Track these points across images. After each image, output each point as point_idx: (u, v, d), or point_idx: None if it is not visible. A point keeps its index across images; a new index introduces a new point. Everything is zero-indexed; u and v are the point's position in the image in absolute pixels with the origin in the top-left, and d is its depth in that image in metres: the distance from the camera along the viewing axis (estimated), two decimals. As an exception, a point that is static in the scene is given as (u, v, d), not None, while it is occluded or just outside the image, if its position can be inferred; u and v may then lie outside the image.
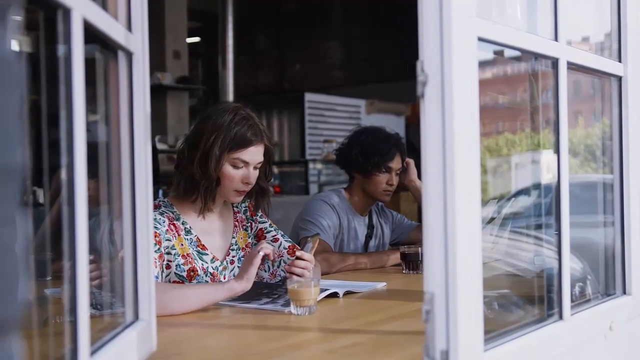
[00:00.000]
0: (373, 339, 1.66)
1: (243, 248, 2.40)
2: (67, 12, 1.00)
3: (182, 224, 2.26)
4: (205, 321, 1.88)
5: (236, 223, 2.41)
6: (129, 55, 1.37)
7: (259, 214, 2.46)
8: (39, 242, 1.83)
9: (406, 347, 1.56)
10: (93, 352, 1.11)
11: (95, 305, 1.33)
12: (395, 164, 3.05)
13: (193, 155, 2.22)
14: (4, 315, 0.59)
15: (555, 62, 1.54)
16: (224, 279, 2.29)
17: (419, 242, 3.00)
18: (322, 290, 2.08)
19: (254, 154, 2.24)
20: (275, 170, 7.75)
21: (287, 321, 1.84)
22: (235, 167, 2.22)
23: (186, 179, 2.24)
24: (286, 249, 2.39)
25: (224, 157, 2.20)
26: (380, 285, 2.39)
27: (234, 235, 2.39)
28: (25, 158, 0.63)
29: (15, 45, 0.63)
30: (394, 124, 6.87)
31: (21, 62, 0.63)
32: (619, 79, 1.84)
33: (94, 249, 1.13)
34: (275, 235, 2.44)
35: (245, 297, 2.05)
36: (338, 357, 1.52)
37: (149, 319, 1.42)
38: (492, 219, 2.26)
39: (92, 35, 1.13)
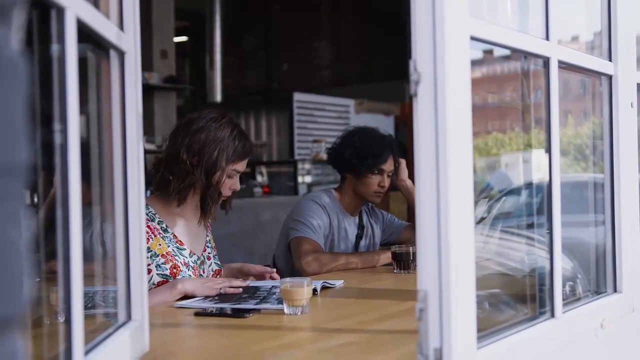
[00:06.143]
0: (366, 338, 1.66)
1: (214, 247, 2.54)
2: (61, 11, 0.99)
3: (158, 223, 2.33)
4: (198, 321, 1.87)
5: (208, 224, 2.53)
6: (121, 54, 1.37)
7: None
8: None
9: (400, 346, 1.56)
10: (86, 353, 1.11)
11: (87, 305, 1.33)
12: (388, 166, 3.05)
13: (193, 164, 2.29)
14: (9, 312, 0.59)
15: (546, 61, 1.54)
16: (203, 272, 2.41)
17: (409, 241, 3.00)
18: None
19: (245, 164, 2.41)
20: (264, 170, 7.75)
21: (279, 321, 1.84)
22: (229, 177, 2.36)
23: (188, 187, 2.31)
24: (213, 271, 2.49)
25: (227, 170, 2.33)
26: (339, 283, 2.40)
27: (208, 234, 2.52)
28: (29, 157, 0.63)
29: (18, 45, 0.63)
30: (383, 124, 6.87)
31: (24, 62, 0.63)
32: (609, 77, 1.85)
33: (84, 250, 1.13)
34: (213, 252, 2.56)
35: (234, 300, 2.05)
36: (332, 356, 1.52)
37: (142, 320, 1.42)
38: (482, 218, 2.27)
39: (84, 34, 1.13)
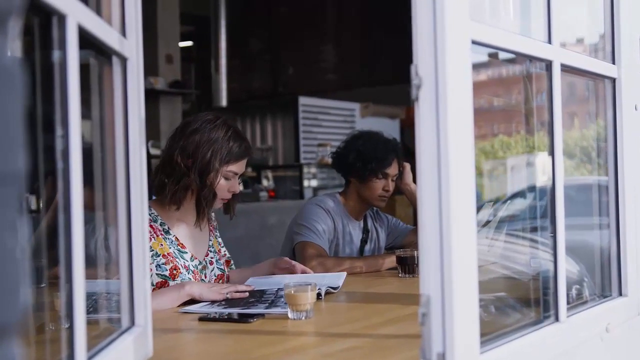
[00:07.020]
0: (370, 343, 1.65)
1: (218, 251, 2.52)
2: (62, 18, 1.00)
3: (160, 225, 2.34)
4: (202, 327, 1.87)
5: (211, 228, 2.53)
6: (124, 60, 1.37)
7: (217, 228, 2.59)
8: (34, 249, 1.83)
9: (403, 350, 1.56)
10: (89, 358, 1.11)
11: (89, 310, 1.33)
12: (392, 170, 3.05)
13: (188, 165, 2.29)
14: (5, 319, 0.59)
15: (549, 65, 1.54)
16: (205, 277, 2.41)
17: (414, 245, 3.00)
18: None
19: (244, 166, 2.40)
20: (270, 174, 7.74)
21: (284, 326, 1.84)
22: (226, 179, 2.35)
23: (183, 189, 2.31)
24: (215, 276, 2.49)
25: (221, 171, 2.31)
26: (342, 278, 2.43)
27: (210, 238, 2.51)
28: (26, 164, 0.63)
29: (16, 52, 0.63)
30: (388, 128, 6.87)
31: (22, 69, 0.64)
32: (613, 80, 1.84)
33: (88, 255, 1.13)
34: (224, 251, 2.58)
35: (242, 305, 2.05)
36: (335, 361, 1.52)
37: (145, 325, 1.42)
38: (488, 221, 2.26)
39: (86, 40, 1.13)
